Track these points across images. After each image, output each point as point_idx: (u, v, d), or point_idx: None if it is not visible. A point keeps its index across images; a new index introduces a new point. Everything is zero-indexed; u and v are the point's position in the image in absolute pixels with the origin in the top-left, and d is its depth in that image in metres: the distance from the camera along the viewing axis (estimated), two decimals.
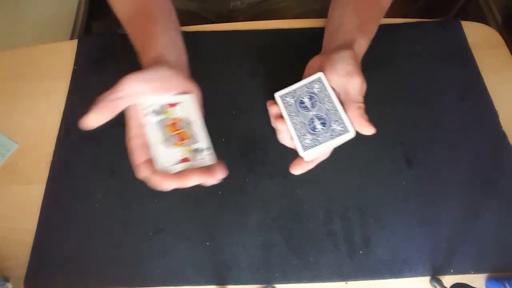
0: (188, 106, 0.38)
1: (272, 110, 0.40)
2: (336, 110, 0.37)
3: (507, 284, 0.43)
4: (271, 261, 0.46)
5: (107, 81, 0.61)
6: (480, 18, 1.13)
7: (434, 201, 0.48)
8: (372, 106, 0.54)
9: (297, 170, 0.40)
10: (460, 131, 0.53)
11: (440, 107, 0.54)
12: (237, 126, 0.53)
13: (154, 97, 0.37)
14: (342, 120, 0.37)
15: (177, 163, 0.35)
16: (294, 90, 0.40)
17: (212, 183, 0.35)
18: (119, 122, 0.55)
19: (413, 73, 0.57)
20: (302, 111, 0.39)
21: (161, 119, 0.36)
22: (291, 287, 0.45)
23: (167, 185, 0.34)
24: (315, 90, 0.39)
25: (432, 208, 0.48)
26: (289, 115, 0.39)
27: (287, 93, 0.40)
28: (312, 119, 0.38)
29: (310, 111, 0.38)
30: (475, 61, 0.58)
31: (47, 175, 0.51)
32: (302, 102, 0.39)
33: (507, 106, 0.54)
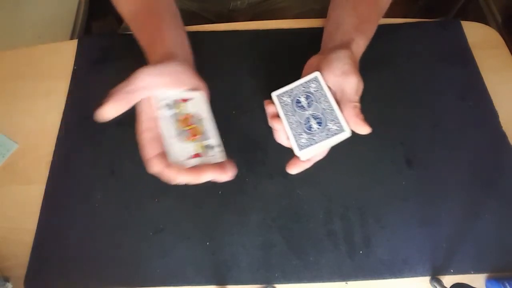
0: (199, 103, 0.38)
1: (269, 109, 0.40)
2: (332, 110, 0.37)
3: (507, 284, 0.43)
4: (271, 261, 0.46)
5: (107, 81, 0.61)
6: (480, 18, 1.13)
7: (434, 201, 0.48)
8: (372, 106, 0.55)
9: (293, 169, 0.40)
10: (460, 131, 0.53)
11: (440, 107, 0.54)
12: (237, 126, 0.53)
13: (167, 92, 0.37)
14: (338, 119, 0.37)
15: (190, 158, 0.35)
16: (291, 89, 0.40)
17: (224, 179, 0.35)
18: (119, 122, 0.55)
19: (413, 73, 0.57)
20: (298, 111, 0.39)
21: (174, 113, 0.37)
22: (291, 287, 0.45)
23: (182, 179, 0.34)
24: (312, 90, 0.39)
25: (432, 208, 0.48)
26: (285, 114, 0.39)
27: (283, 93, 0.40)
28: (308, 118, 0.38)
29: (306, 110, 0.38)
30: (475, 61, 0.58)
31: (47, 175, 0.51)
32: (298, 102, 0.39)
33: (507, 106, 0.54)
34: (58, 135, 0.54)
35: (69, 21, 0.89)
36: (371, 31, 0.45)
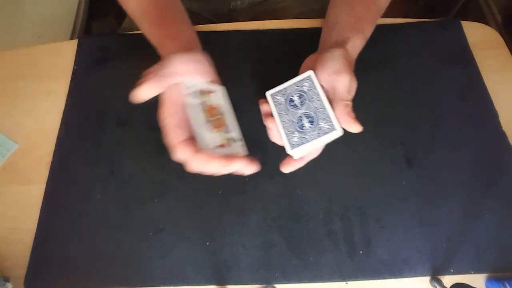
0: (221, 96, 0.39)
1: (263, 108, 0.41)
2: (324, 108, 0.37)
3: (507, 284, 0.43)
4: (271, 261, 0.46)
5: (107, 81, 0.61)
6: (480, 18, 1.13)
7: (434, 201, 0.48)
8: (372, 106, 0.55)
9: (287, 168, 0.40)
10: (460, 131, 0.53)
11: (440, 107, 0.54)
12: None
13: (194, 80, 0.37)
14: (329, 118, 0.37)
15: (217, 147, 0.35)
16: (285, 88, 0.40)
17: (249, 172, 0.36)
18: (119, 122, 0.55)
19: (413, 73, 0.57)
20: (291, 109, 0.39)
21: (201, 101, 0.37)
22: (291, 287, 0.45)
23: (211, 166, 0.34)
24: (305, 88, 0.39)
25: (432, 208, 0.48)
26: (278, 113, 0.39)
27: (277, 92, 0.40)
28: (300, 117, 0.38)
29: (299, 109, 0.38)
30: (475, 61, 0.58)
31: (47, 175, 0.51)
32: (291, 100, 0.39)
33: (507, 106, 0.54)
34: (58, 135, 0.54)
35: (69, 21, 0.89)
36: (368, 30, 0.45)
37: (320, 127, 0.37)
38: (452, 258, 0.45)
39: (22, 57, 0.61)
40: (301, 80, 0.39)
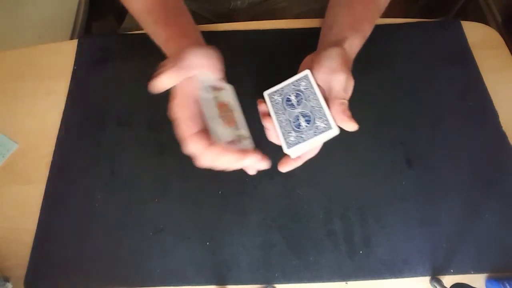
0: (230, 94, 0.39)
1: (261, 108, 0.41)
2: (321, 107, 0.37)
3: (507, 284, 0.43)
4: (271, 261, 0.46)
5: (107, 81, 0.61)
6: (480, 18, 1.13)
7: (434, 201, 0.48)
8: (372, 106, 0.55)
9: (284, 167, 0.40)
10: (460, 131, 0.53)
11: (440, 107, 0.54)
12: None
13: (207, 75, 0.37)
14: (326, 117, 0.37)
15: (229, 142, 0.35)
16: (282, 88, 0.40)
17: (262, 167, 0.37)
18: (119, 122, 0.55)
19: (413, 73, 0.57)
20: (288, 109, 0.39)
21: (214, 96, 0.37)
22: (291, 287, 0.45)
23: (224, 159, 0.34)
24: (302, 88, 0.39)
25: (432, 208, 0.48)
26: (275, 113, 0.39)
27: (275, 91, 0.41)
28: (297, 116, 0.38)
29: (296, 108, 0.39)
30: (475, 61, 0.58)
31: (47, 175, 0.51)
32: (288, 100, 0.39)
33: (507, 106, 0.54)
34: (58, 135, 0.54)
35: (69, 21, 0.89)
36: (367, 29, 0.45)
37: (317, 126, 0.37)
38: (452, 258, 0.45)
39: (22, 57, 0.61)
40: (298, 79, 0.40)
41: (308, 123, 0.37)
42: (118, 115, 0.55)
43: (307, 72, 0.39)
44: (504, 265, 0.45)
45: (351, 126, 0.36)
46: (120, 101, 0.56)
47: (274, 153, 0.51)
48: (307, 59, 0.43)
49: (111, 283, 0.45)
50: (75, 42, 0.62)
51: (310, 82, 0.39)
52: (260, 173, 0.50)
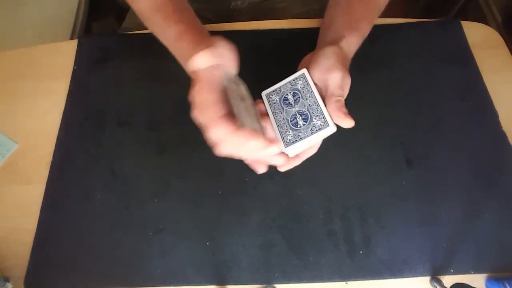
0: (245, 90, 0.39)
1: (259, 108, 0.41)
2: (318, 105, 0.38)
3: (507, 284, 0.43)
4: (271, 261, 0.46)
5: (107, 81, 0.61)
6: (480, 18, 1.13)
7: (434, 201, 0.48)
8: (372, 106, 0.55)
9: (283, 167, 0.40)
10: (460, 131, 0.53)
11: (440, 107, 0.54)
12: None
13: (230, 68, 0.38)
14: (323, 115, 0.37)
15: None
16: (279, 87, 0.41)
17: (281, 162, 0.38)
18: (119, 122, 0.55)
19: (413, 73, 0.57)
20: (285, 108, 0.39)
21: (237, 88, 0.37)
22: (291, 287, 0.45)
23: (249, 145, 0.33)
24: (299, 87, 0.39)
25: (432, 208, 0.48)
26: (273, 112, 0.40)
27: (272, 91, 0.41)
28: (294, 115, 0.38)
29: (293, 107, 0.39)
30: (475, 61, 0.58)
31: (47, 175, 0.51)
32: (286, 99, 0.40)
33: (507, 106, 0.54)
34: (58, 135, 0.54)
35: (69, 21, 0.89)
36: (365, 28, 0.45)
37: (314, 124, 0.37)
38: (452, 258, 0.45)
39: (22, 57, 0.61)
40: (295, 78, 0.40)
41: (305, 122, 0.37)
42: (118, 115, 0.55)
43: (304, 71, 0.40)
44: (504, 265, 0.45)
45: (348, 123, 0.36)
46: (120, 101, 0.56)
47: None
48: (306, 58, 0.43)
49: (111, 283, 0.45)
50: (75, 42, 0.62)
51: (307, 81, 0.39)
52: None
